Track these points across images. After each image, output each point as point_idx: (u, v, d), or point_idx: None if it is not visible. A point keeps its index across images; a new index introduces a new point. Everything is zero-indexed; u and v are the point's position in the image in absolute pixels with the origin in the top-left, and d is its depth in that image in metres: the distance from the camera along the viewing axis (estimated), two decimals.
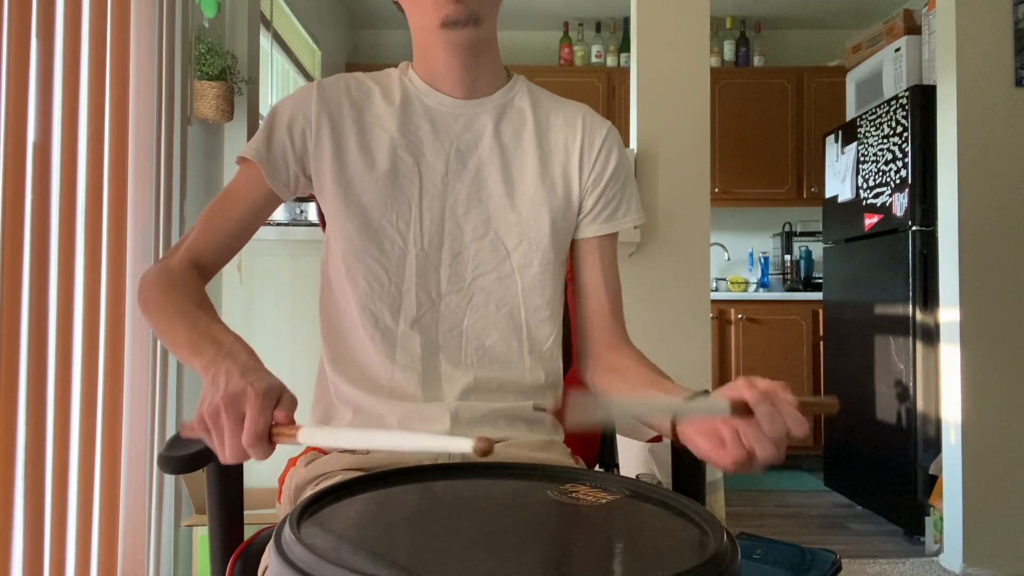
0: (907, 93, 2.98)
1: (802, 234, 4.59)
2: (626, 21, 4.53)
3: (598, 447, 1.30)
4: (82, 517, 1.64)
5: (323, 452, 1.00)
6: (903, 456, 2.98)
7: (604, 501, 0.73)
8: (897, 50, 3.17)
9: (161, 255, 1.92)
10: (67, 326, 1.59)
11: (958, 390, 2.60)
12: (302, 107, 1.00)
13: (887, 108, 3.11)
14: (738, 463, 0.70)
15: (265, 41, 3.04)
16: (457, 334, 0.99)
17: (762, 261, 4.70)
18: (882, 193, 3.14)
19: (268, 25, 3.10)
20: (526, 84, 1.08)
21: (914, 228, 2.93)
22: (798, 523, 3.19)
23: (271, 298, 2.36)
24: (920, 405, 2.91)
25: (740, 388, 0.70)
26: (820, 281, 4.09)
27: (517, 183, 1.01)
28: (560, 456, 1.00)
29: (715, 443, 0.72)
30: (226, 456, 0.70)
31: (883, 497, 3.14)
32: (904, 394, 2.98)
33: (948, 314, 2.67)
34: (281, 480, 1.04)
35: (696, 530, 0.67)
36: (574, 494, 0.74)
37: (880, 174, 3.15)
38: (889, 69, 3.22)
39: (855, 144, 3.36)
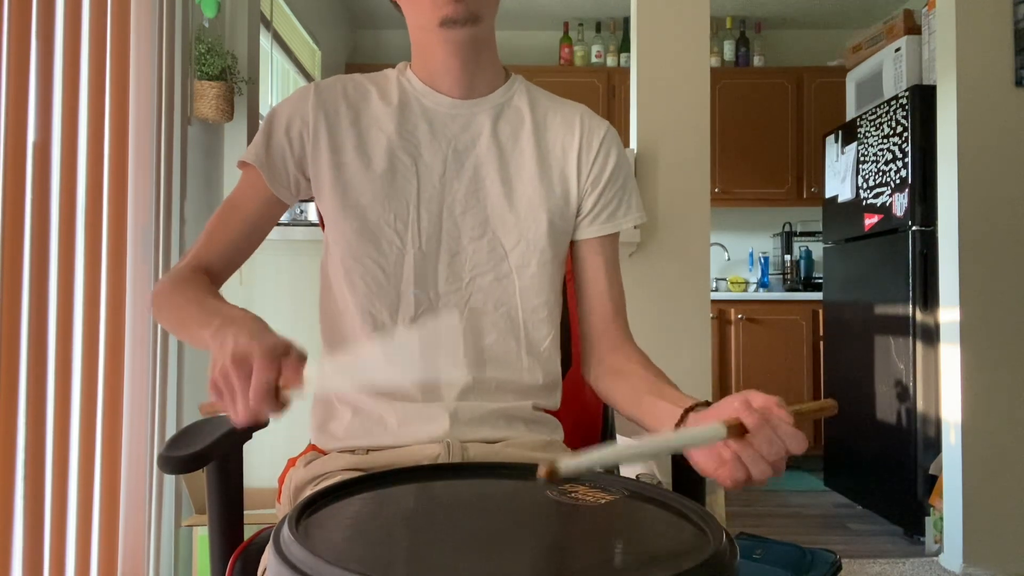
0: (907, 93, 2.98)
1: (802, 234, 4.59)
2: (626, 21, 4.52)
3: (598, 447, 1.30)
4: (82, 517, 1.64)
5: (322, 452, 1.00)
6: (903, 456, 2.97)
7: (604, 501, 0.73)
8: (897, 50, 3.17)
9: (161, 255, 1.93)
10: (67, 326, 1.59)
11: (958, 390, 2.60)
12: (299, 110, 1.00)
13: (887, 108, 3.11)
14: (737, 481, 0.70)
15: (265, 41, 3.04)
16: (455, 334, 0.99)
17: (762, 261, 4.70)
18: (882, 193, 3.13)
19: (268, 25, 3.10)
20: (524, 84, 1.08)
21: (914, 228, 2.93)
22: (798, 523, 3.19)
23: (271, 298, 2.36)
24: (920, 405, 2.91)
25: (737, 409, 0.69)
26: (820, 281, 4.09)
27: (515, 183, 1.01)
28: (560, 456, 1.00)
29: (715, 462, 0.71)
30: (239, 417, 0.70)
31: (883, 497, 3.14)
32: (904, 394, 2.98)
33: (948, 314, 2.67)
34: (281, 480, 1.04)
35: (695, 530, 0.67)
36: (573, 494, 0.74)
37: (880, 174, 3.15)
38: (889, 69, 3.22)
39: (855, 144, 3.36)
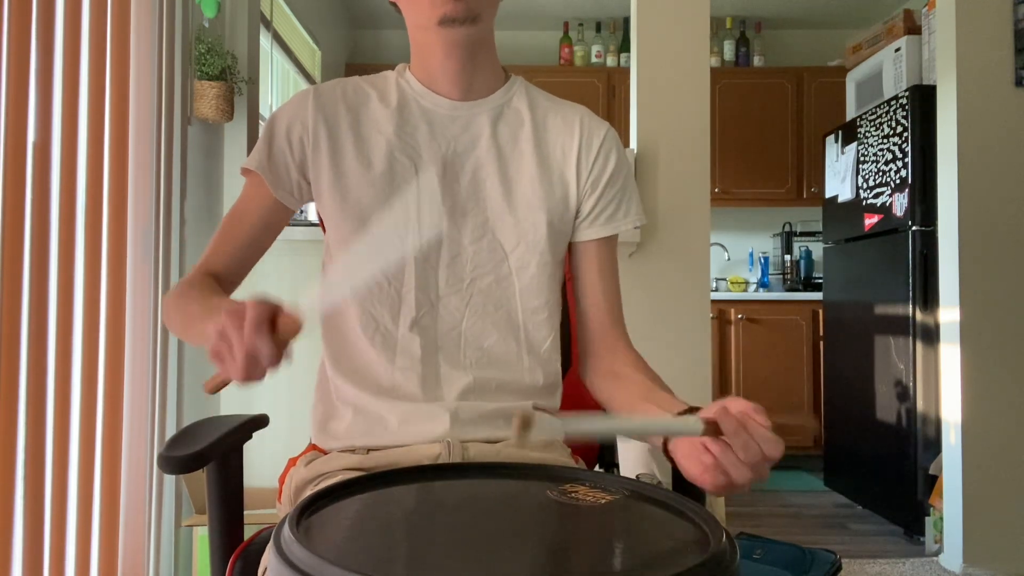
0: (907, 93, 2.98)
1: (802, 234, 4.59)
2: (626, 21, 4.52)
3: (598, 447, 1.30)
4: (82, 517, 1.64)
5: (323, 452, 1.00)
6: (903, 456, 2.98)
7: (604, 501, 0.73)
8: (897, 50, 3.17)
9: (161, 255, 1.93)
10: (67, 326, 1.59)
11: (958, 390, 2.60)
12: (299, 114, 1.00)
13: (887, 108, 3.11)
14: (718, 487, 0.72)
15: (265, 41, 3.04)
16: (456, 335, 0.99)
17: (762, 261, 4.70)
18: (882, 193, 3.14)
19: (268, 25, 3.10)
20: (524, 85, 1.07)
21: (914, 228, 2.93)
22: (798, 523, 3.19)
23: None
24: (920, 405, 2.91)
25: (716, 412, 0.71)
26: (820, 281, 4.09)
27: (515, 185, 1.01)
28: (560, 456, 1.01)
29: (699, 467, 0.73)
30: (240, 371, 0.70)
31: (883, 497, 3.14)
32: (904, 394, 2.98)
33: (948, 314, 2.67)
34: (281, 480, 1.04)
35: (696, 530, 0.67)
36: (574, 494, 0.74)
37: (880, 174, 3.15)
38: (889, 69, 3.22)
39: (855, 144, 3.36)
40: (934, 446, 2.85)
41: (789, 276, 4.56)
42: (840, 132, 3.51)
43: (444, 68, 1.00)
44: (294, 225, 2.36)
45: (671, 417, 0.80)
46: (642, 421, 0.78)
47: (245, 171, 1.01)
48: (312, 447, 1.03)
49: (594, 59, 4.69)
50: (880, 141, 3.15)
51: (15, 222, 1.43)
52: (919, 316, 2.92)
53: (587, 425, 0.74)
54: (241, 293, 0.93)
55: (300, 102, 1.01)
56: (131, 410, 1.83)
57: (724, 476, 0.71)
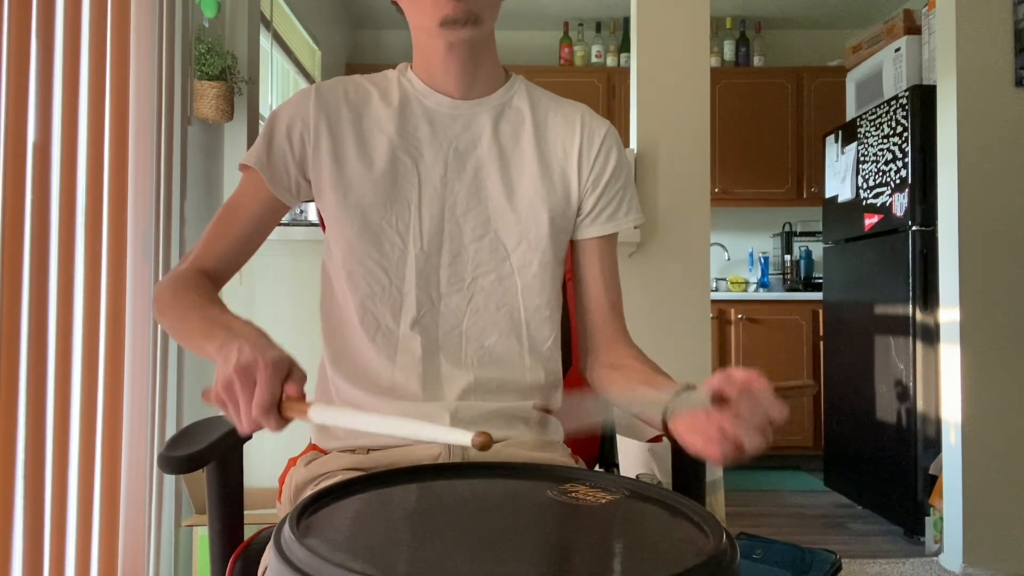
0: (907, 93, 2.98)
1: (802, 234, 4.59)
2: (626, 21, 4.52)
3: (598, 447, 1.30)
4: (82, 517, 1.64)
5: (323, 452, 1.00)
6: (903, 456, 2.97)
7: (604, 501, 0.73)
8: (897, 50, 3.17)
9: (161, 255, 1.93)
10: (67, 327, 1.59)
11: (958, 390, 2.60)
12: (300, 112, 1.00)
13: (887, 108, 3.11)
14: (727, 456, 0.72)
15: (265, 41, 3.04)
16: (457, 334, 0.99)
17: (762, 261, 4.70)
18: (882, 193, 3.13)
19: (268, 25, 3.10)
20: (525, 84, 1.08)
21: (914, 228, 2.93)
22: (798, 523, 3.19)
23: (271, 298, 2.36)
24: (920, 405, 2.91)
25: (720, 382, 0.73)
26: (820, 281, 4.09)
27: (516, 183, 1.01)
28: (560, 456, 1.01)
29: (704, 440, 0.73)
30: (243, 426, 0.72)
31: (883, 497, 3.14)
32: (904, 394, 2.98)
33: (948, 314, 2.67)
34: (281, 480, 1.04)
35: (696, 530, 0.67)
36: (574, 494, 0.74)
37: (880, 174, 3.15)
38: (889, 69, 3.22)
39: (855, 144, 3.36)
40: (934, 446, 2.84)
41: (789, 276, 4.56)
42: (840, 132, 3.51)
43: (446, 68, 1.00)
44: (294, 225, 2.36)
45: (676, 389, 0.80)
46: (645, 395, 0.79)
47: (243, 167, 1.01)
48: (312, 447, 1.03)
49: (594, 59, 4.69)
50: (880, 141, 3.15)
51: (15, 222, 1.43)
52: (919, 316, 2.92)
53: (605, 400, 0.75)
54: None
55: (302, 100, 1.01)
56: (131, 410, 1.83)
57: (731, 444, 0.72)
